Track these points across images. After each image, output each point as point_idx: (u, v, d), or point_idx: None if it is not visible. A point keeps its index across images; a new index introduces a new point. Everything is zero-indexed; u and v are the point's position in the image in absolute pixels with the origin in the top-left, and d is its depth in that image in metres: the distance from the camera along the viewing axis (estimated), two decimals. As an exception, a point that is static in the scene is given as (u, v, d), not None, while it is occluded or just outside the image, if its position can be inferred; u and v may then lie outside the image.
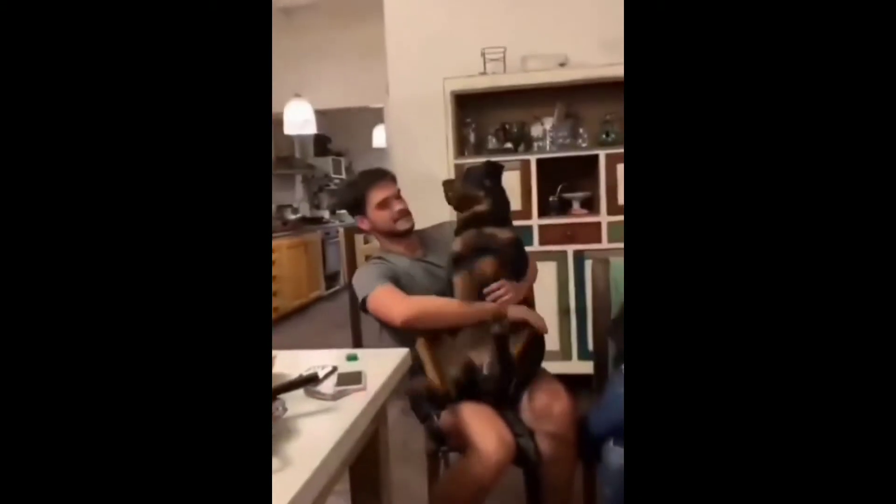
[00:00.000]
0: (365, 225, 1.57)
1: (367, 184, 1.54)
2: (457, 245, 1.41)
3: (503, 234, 1.41)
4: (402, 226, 1.53)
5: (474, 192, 1.40)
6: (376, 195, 1.52)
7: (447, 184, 1.45)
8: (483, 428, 1.24)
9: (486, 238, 1.39)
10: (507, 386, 1.35)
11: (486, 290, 1.38)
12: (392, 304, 1.37)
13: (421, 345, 1.35)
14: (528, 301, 1.51)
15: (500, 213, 1.43)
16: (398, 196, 1.55)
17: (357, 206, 1.55)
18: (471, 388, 1.33)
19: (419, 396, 1.40)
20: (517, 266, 1.44)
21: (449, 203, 1.44)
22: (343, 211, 6.79)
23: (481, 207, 1.39)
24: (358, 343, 3.12)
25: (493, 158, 1.77)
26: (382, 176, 1.56)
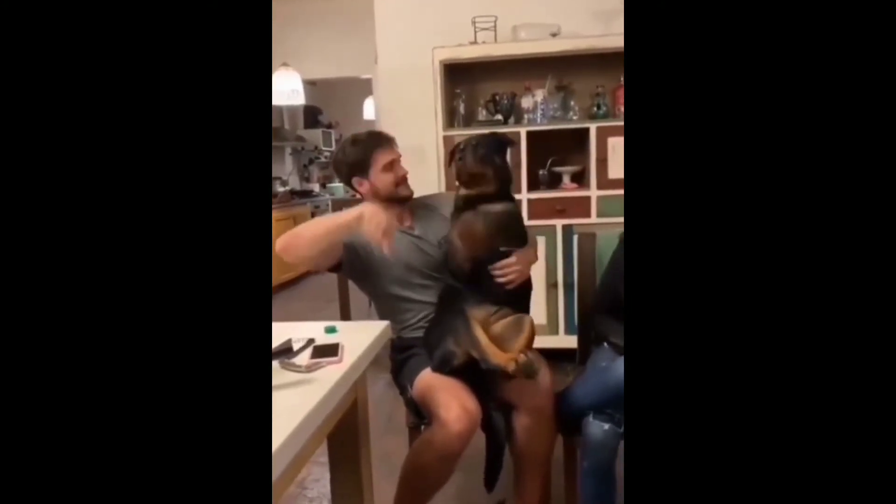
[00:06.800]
0: (364, 188, 1.51)
1: (376, 144, 1.49)
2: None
3: (501, 206, 1.36)
4: (403, 191, 1.50)
5: (485, 170, 1.34)
6: (384, 156, 1.47)
7: (459, 162, 1.37)
8: (447, 398, 1.23)
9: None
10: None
11: (495, 266, 1.32)
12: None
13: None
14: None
15: (505, 190, 1.39)
16: (399, 161, 1.52)
17: (361, 167, 1.49)
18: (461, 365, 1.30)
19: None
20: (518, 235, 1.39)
21: (458, 179, 1.38)
22: (333, 184, 6.76)
23: (489, 188, 1.34)
24: (346, 317, 3.11)
25: (483, 130, 1.73)
26: (388, 139, 1.52)
